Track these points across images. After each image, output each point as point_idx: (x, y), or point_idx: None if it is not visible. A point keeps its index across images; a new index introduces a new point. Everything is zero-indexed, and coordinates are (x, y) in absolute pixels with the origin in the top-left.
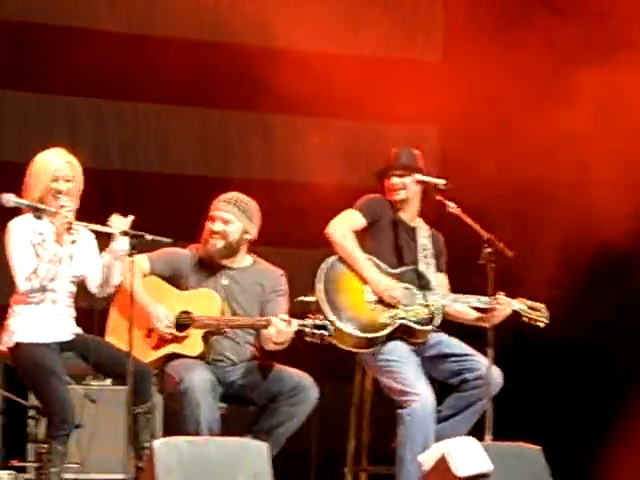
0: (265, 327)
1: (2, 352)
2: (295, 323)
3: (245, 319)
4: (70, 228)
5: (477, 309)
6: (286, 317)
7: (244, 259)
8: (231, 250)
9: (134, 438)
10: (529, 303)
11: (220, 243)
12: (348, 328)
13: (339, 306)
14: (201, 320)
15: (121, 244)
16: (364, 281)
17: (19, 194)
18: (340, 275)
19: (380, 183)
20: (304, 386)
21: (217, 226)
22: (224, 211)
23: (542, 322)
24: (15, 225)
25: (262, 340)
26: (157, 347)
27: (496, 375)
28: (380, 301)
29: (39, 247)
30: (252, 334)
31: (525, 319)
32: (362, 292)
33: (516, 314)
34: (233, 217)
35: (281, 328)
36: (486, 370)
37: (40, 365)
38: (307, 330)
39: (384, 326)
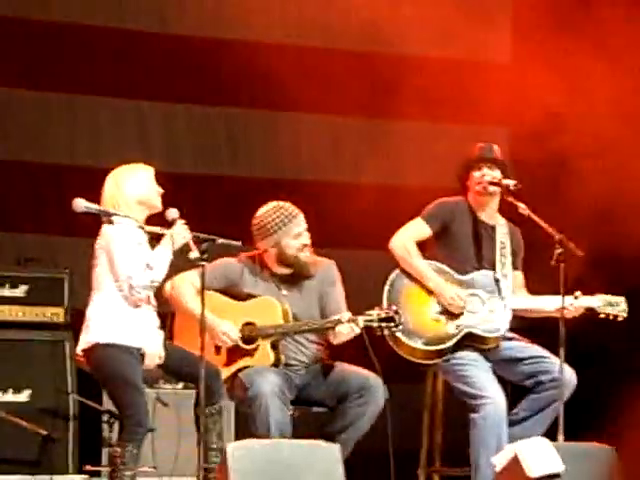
0: (333, 329)
1: (77, 357)
2: (361, 321)
3: (312, 323)
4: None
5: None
6: (351, 316)
7: None
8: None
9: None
10: (608, 298)
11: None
12: (415, 343)
13: (404, 321)
14: (266, 330)
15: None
16: (429, 292)
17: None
18: (403, 289)
19: (462, 182)
20: (370, 386)
21: (309, 239)
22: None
23: (621, 316)
24: (117, 229)
25: (329, 335)
26: (229, 363)
27: (569, 376)
28: (446, 311)
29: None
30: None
31: (602, 315)
32: (427, 304)
33: (592, 311)
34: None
35: (347, 330)
36: (559, 371)
37: (118, 368)
38: (375, 325)
39: (451, 336)
